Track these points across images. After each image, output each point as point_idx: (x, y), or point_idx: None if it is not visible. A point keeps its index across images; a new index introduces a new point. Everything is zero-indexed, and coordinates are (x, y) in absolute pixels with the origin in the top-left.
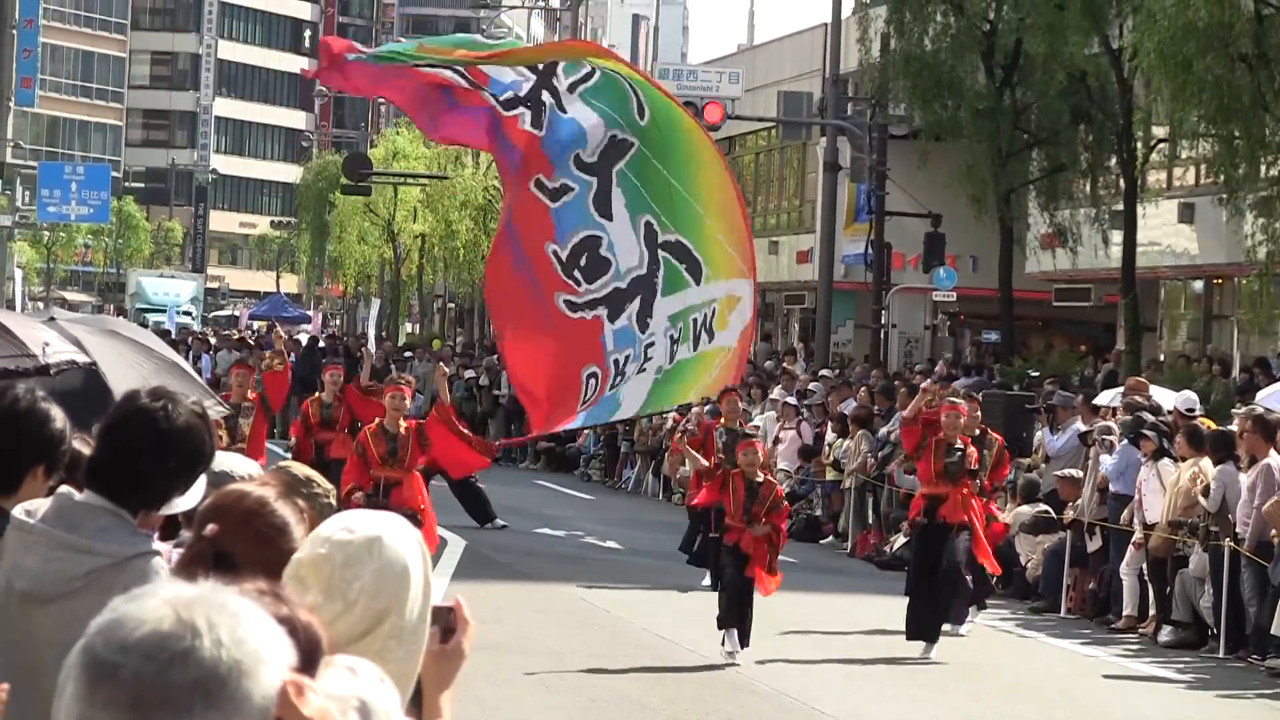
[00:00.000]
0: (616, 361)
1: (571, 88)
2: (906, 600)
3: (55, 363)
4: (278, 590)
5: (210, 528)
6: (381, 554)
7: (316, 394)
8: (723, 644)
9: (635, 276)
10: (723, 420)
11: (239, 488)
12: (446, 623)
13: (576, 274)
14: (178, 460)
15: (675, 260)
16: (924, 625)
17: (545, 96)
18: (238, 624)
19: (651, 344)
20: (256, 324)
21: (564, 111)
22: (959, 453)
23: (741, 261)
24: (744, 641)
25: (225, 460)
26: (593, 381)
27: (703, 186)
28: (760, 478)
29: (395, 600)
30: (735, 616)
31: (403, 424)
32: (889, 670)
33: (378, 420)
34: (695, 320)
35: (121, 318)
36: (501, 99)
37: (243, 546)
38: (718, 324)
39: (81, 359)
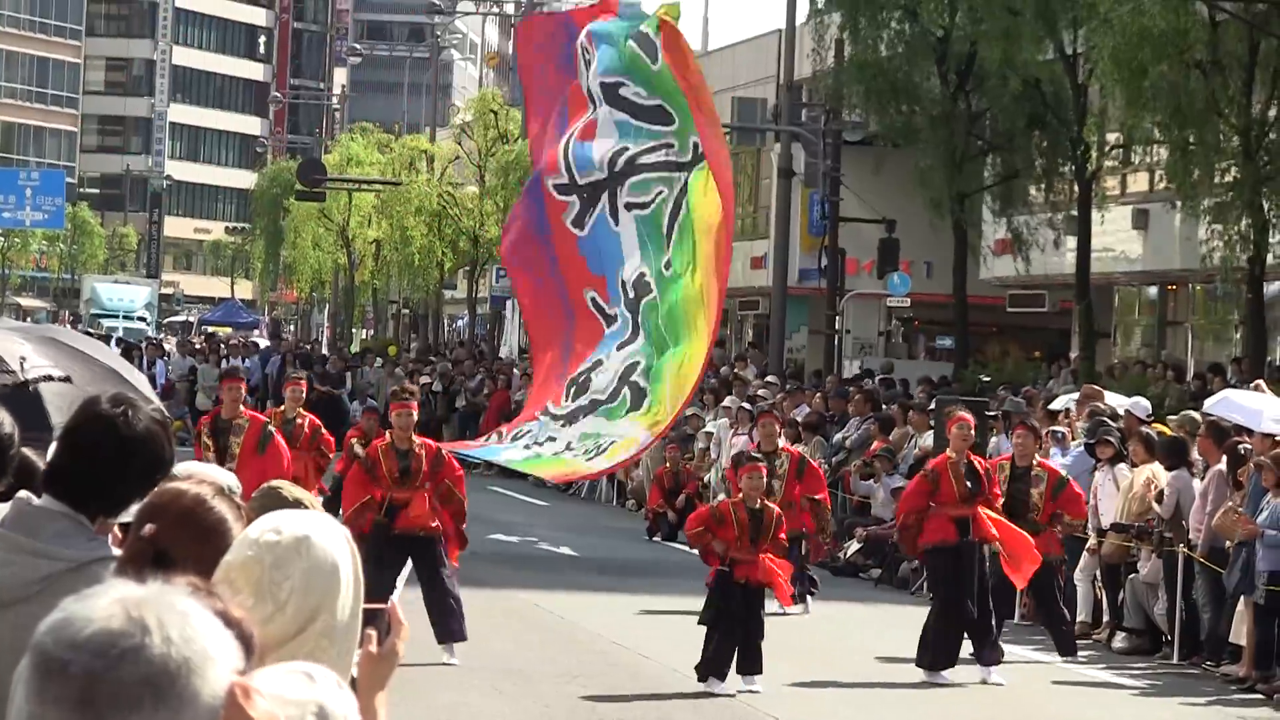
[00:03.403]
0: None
1: (629, 206)
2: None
3: (33, 378)
4: (210, 588)
5: (148, 527)
6: (310, 553)
7: (280, 408)
8: (719, 689)
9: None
10: (757, 445)
11: (175, 486)
12: (381, 624)
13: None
14: (137, 466)
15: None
16: (951, 651)
17: (604, 201)
18: (186, 623)
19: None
20: (212, 329)
21: (615, 224)
22: (975, 470)
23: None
24: (759, 668)
25: (201, 470)
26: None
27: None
28: (759, 504)
29: (326, 599)
30: (756, 663)
31: (416, 440)
32: (841, 675)
33: (388, 436)
34: (596, 444)
35: (65, 325)
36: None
37: (180, 544)
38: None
39: (56, 373)
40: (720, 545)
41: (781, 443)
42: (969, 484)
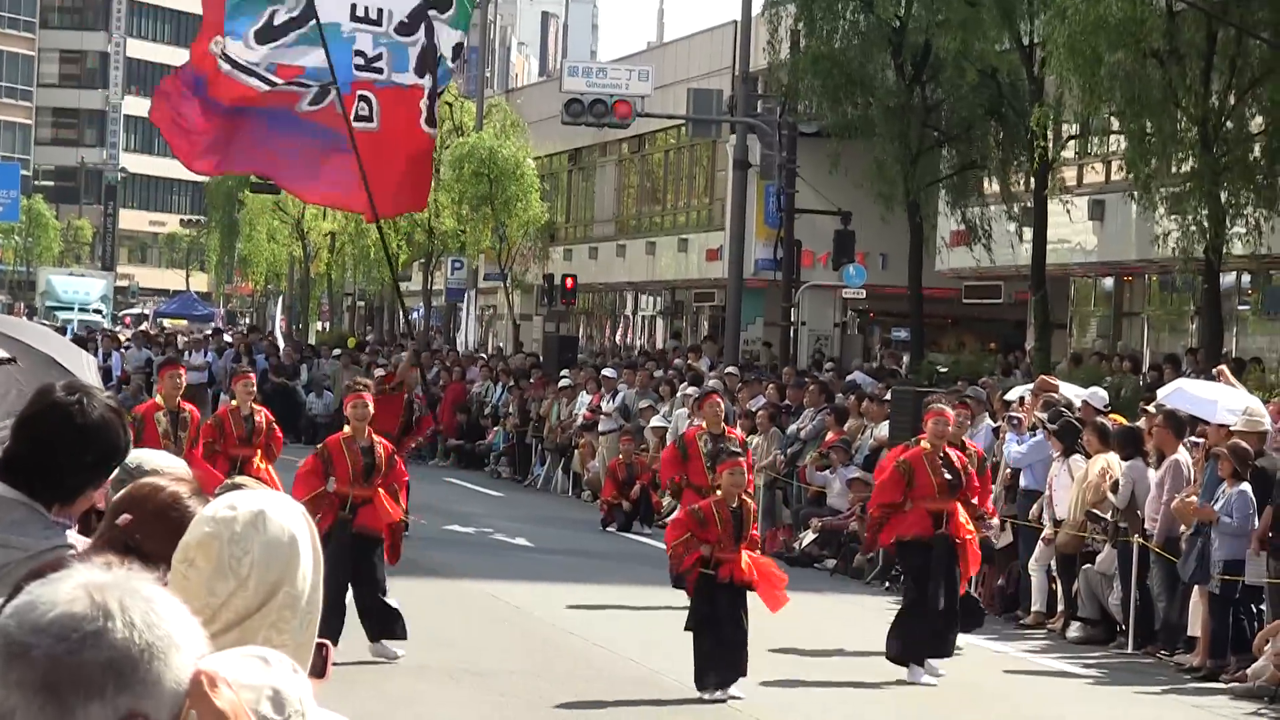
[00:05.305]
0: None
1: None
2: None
3: None
4: (164, 579)
5: (124, 517)
6: (267, 528)
7: (235, 403)
8: (718, 695)
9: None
10: (704, 425)
11: (153, 481)
12: (320, 658)
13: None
14: (93, 454)
15: None
16: (930, 646)
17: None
18: (150, 608)
19: None
20: (168, 322)
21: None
22: (952, 463)
23: None
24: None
25: (151, 458)
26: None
27: None
28: (737, 502)
29: (286, 571)
30: (740, 665)
31: (376, 438)
32: (794, 664)
33: (346, 430)
34: None
35: (21, 317)
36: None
37: (153, 539)
38: None
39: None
40: (707, 548)
41: (725, 426)
42: (948, 476)
